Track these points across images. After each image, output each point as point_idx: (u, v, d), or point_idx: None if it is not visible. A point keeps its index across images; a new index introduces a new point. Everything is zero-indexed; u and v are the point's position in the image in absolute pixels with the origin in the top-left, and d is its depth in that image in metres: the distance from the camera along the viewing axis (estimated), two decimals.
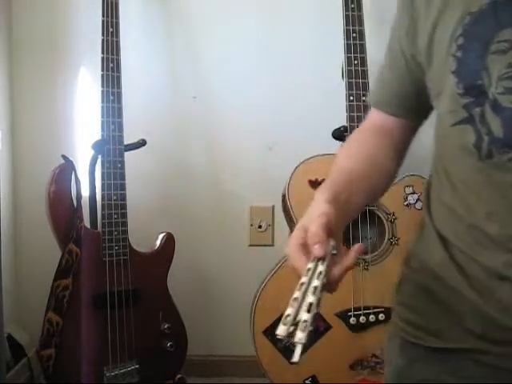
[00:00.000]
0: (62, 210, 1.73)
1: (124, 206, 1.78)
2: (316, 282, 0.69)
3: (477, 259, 0.86)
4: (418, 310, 0.94)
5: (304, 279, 0.70)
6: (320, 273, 0.71)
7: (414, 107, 0.97)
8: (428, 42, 0.87)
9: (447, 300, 0.90)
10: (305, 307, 0.66)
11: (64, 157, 1.76)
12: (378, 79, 1.05)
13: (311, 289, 0.69)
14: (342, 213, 0.82)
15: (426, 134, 0.99)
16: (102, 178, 1.77)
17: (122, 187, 1.79)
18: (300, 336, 0.63)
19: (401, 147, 1.00)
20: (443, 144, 0.92)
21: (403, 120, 0.99)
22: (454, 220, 0.89)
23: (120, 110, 1.80)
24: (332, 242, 0.74)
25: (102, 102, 1.78)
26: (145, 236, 1.92)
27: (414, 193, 1.81)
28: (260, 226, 2.13)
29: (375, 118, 1.02)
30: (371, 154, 0.97)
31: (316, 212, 0.79)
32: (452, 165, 0.90)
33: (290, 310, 0.66)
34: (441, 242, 0.91)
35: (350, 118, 1.79)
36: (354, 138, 1.04)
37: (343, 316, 1.77)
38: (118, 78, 1.80)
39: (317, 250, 0.73)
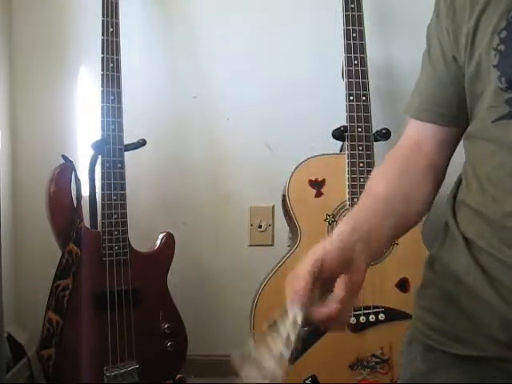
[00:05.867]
0: (62, 210, 1.73)
1: (124, 206, 1.78)
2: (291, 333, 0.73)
3: (503, 260, 0.84)
4: (442, 315, 0.92)
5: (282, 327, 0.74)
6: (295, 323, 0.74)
7: (454, 114, 0.95)
8: (471, 38, 0.86)
9: (471, 306, 0.88)
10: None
11: (64, 157, 1.76)
12: (416, 89, 1.02)
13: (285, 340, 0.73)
14: (363, 244, 0.81)
15: None
16: (102, 178, 1.77)
17: (122, 187, 1.78)
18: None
19: (438, 166, 0.97)
20: (478, 144, 0.90)
21: (443, 129, 0.96)
22: (480, 222, 0.88)
23: (120, 109, 1.80)
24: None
25: (102, 101, 1.78)
26: (145, 236, 1.92)
27: None
28: (260, 226, 2.13)
29: (412, 132, 1.00)
30: (405, 183, 0.95)
31: (312, 256, 0.78)
32: (484, 165, 0.88)
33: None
34: (465, 245, 0.89)
35: (350, 118, 1.79)
36: (388, 159, 1.01)
37: None
38: (118, 77, 1.80)
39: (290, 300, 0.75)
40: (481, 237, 0.87)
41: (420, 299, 0.99)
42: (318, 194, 1.81)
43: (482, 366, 0.87)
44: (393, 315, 1.78)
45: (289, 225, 1.89)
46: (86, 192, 1.79)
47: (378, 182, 0.96)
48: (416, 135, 0.99)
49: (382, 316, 1.78)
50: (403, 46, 2.02)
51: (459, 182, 0.97)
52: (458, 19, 0.89)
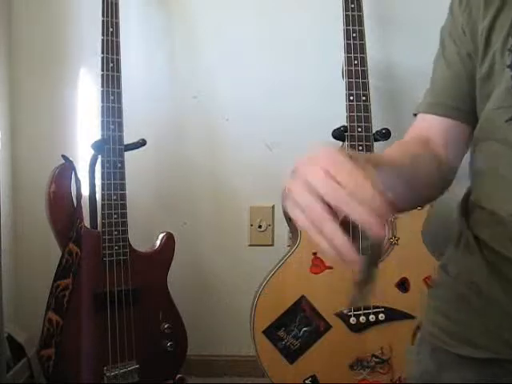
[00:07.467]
0: (62, 210, 1.73)
1: (124, 206, 1.78)
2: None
3: None
4: (453, 317, 0.92)
5: None
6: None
7: (468, 110, 0.94)
8: (485, 38, 0.87)
9: (483, 309, 0.88)
10: None
11: (64, 157, 1.76)
12: (428, 90, 1.00)
13: None
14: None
15: None
16: (102, 178, 1.77)
17: (122, 187, 1.79)
18: None
19: (445, 163, 0.95)
20: (489, 146, 0.90)
21: (454, 124, 0.95)
22: (492, 223, 0.88)
23: (120, 109, 1.80)
24: None
25: (102, 101, 1.78)
26: (145, 236, 1.92)
27: None
28: (260, 226, 2.13)
29: (419, 127, 0.98)
30: (415, 155, 0.92)
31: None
32: (496, 165, 0.88)
33: None
34: (478, 247, 0.89)
35: (350, 118, 1.79)
36: (396, 144, 0.98)
37: (343, 316, 1.77)
38: (118, 77, 1.80)
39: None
40: (493, 238, 0.87)
41: (432, 300, 0.98)
42: None
43: (492, 368, 0.87)
44: (393, 315, 1.78)
45: (289, 225, 1.89)
46: (86, 192, 1.79)
47: (392, 153, 0.92)
48: (421, 130, 0.97)
49: (381, 316, 1.78)
50: (403, 45, 2.03)
51: (470, 187, 0.96)
52: (473, 17, 0.90)
